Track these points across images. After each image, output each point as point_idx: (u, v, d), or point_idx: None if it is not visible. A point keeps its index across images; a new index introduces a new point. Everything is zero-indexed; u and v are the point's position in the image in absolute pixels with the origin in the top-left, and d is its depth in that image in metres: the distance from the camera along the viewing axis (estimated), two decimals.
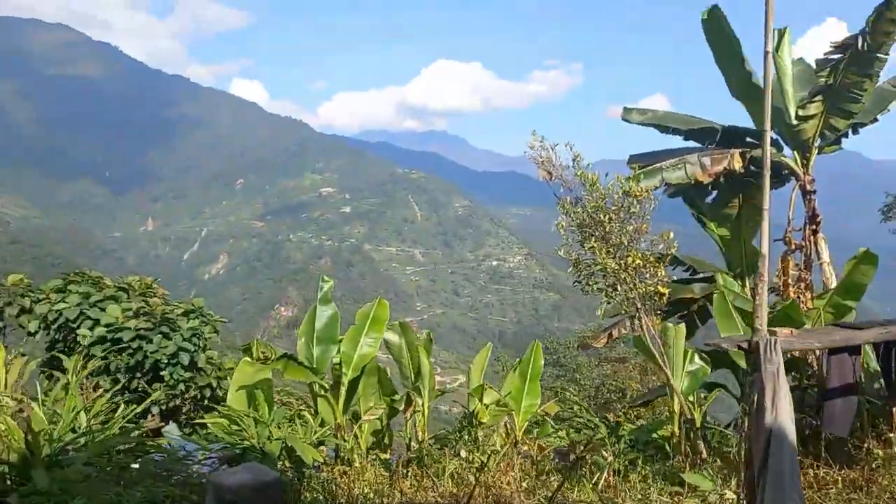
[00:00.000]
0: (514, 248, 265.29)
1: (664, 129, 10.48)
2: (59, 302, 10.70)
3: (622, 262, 5.08)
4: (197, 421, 4.68)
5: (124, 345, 10.32)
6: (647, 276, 5.11)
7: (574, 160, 5.63)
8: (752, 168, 9.17)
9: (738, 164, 8.87)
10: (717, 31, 9.17)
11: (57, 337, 10.89)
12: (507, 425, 5.84)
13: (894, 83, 9.62)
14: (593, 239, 5.25)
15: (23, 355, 11.43)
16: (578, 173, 5.55)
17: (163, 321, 10.81)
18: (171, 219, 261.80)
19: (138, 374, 10.26)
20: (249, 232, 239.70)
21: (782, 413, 3.51)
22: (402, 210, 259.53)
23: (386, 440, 5.75)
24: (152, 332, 10.55)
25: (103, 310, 10.74)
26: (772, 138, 9.89)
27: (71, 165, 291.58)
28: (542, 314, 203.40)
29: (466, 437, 5.25)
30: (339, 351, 5.66)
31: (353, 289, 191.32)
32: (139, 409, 5.72)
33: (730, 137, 9.80)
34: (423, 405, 5.55)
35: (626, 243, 5.20)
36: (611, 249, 5.15)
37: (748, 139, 9.90)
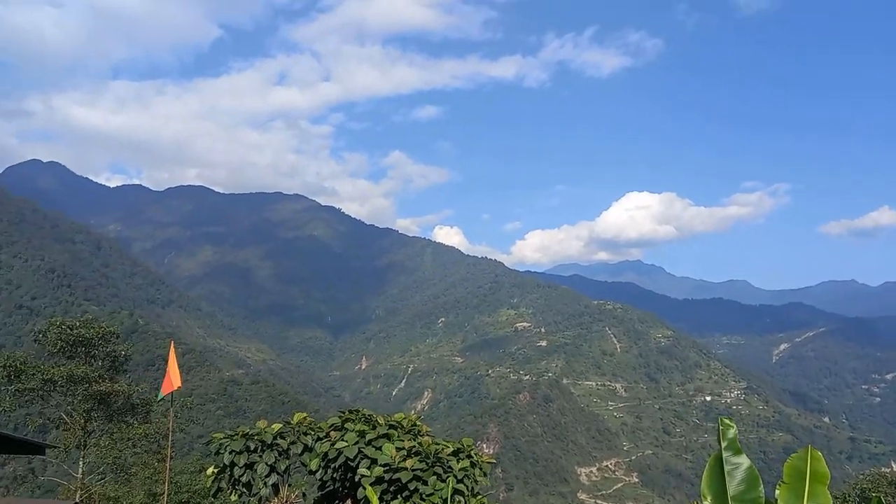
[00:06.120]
0: (730, 382, 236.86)
1: None
2: (339, 440, 10.94)
3: None
4: None
5: (400, 485, 10.08)
6: None
7: None
8: None
9: None
10: None
11: (335, 476, 11.00)
12: None
13: None
14: None
15: (304, 495, 11.77)
16: None
17: (435, 461, 10.48)
18: (381, 357, 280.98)
19: None
20: (450, 368, 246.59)
21: None
22: (599, 342, 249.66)
23: None
24: (426, 472, 10.21)
25: (379, 448, 10.72)
26: None
27: (300, 314, 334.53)
28: (773, 457, 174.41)
29: None
30: None
31: (553, 425, 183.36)
32: None
33: None
34: None
35: None
36: None
37: None
